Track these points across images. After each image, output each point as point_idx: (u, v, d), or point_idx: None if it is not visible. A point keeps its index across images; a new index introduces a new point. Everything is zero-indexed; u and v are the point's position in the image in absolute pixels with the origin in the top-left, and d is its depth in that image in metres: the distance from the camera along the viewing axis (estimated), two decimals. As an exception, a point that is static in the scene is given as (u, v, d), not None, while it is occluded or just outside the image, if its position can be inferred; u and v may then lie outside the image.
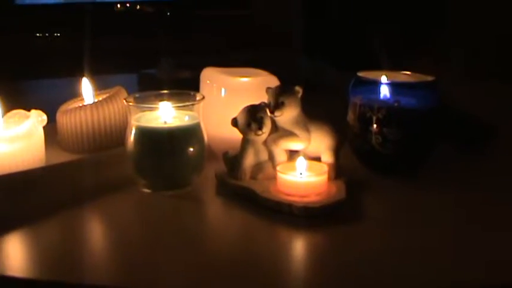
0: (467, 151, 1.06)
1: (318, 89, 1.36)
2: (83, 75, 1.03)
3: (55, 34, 2.98)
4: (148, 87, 1.35)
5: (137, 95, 0.88)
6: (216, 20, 2.98)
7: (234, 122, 0.85)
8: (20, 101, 0.96)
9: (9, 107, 0.93)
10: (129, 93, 0.98)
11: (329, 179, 0.83)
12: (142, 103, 0.88)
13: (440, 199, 0.86)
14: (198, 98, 0.88)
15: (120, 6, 3.15)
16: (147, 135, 0.85)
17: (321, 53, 1.97)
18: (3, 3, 2.96)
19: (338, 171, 0.86)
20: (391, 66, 1.04)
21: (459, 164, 1.00)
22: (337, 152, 0.87)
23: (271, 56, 1.56)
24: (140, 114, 0.86)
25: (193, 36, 2.79)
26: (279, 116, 0.84)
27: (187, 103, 0.88)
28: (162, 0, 3.21)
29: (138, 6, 3.18)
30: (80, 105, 0.97)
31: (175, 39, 2.72)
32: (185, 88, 0.92)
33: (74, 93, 1.03)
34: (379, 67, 1.01)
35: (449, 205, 0.84)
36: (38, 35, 2.96)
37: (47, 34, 2.98)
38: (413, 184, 0.91)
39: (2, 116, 0.90)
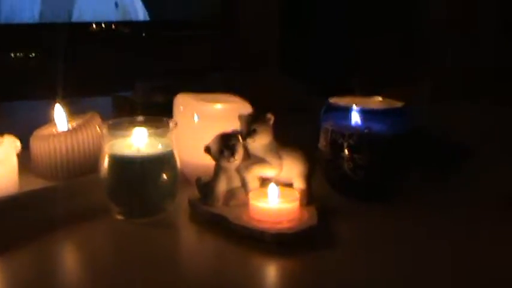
0: (441, 174, 1.07)
1: (292, 111, 1.38)
2: (56, 98, 1.03)
3: (30, 55, 2.97)
4: (123, 110, 1.36)
5: (111, 122, 0.89)
6: (192, 40, 2.99)
7: (207, 150, 0.86)
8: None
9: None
10: (104, 116, 0.99)
11: (301, 205, 0.84)
12: (116, 130, 0.88)
13: (412, 224, 0.87)
14: (171, 125, 0.88)
15: (96, 26, 3.15)
16: (120, 163, 0.85)
17: (297, 76, 1.99)
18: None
19: (310, 197, 0.87)
20: (363, 90, 1.05)
21: (432, 188, 1.01)
22: (308, 178, 0.88)
23: (246, 78, 1.57)
24: (114, 141, 0.87)
25: (168, 58, 2.79)
26: (251, 143, 0.85)
27: (160, 130, 0.88)
28: (138, 21, 3.22)
29: (113, 26, 3.18)
30: (54, 131, 0.97)
31: (150, 60, 2.73)
32: (160, 112, 0.93)
33: (48, 116, 1.03)
34: (352, 91, 1.03)
35: (422, 230, 0.85)
36: (12, 55, 2.96)
37: (21, 54, 2.97)
38: (385, 209, 0.92)
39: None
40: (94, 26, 3.15)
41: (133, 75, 1.91)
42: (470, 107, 1.56)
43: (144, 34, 3.10)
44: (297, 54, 2.61)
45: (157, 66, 2.55)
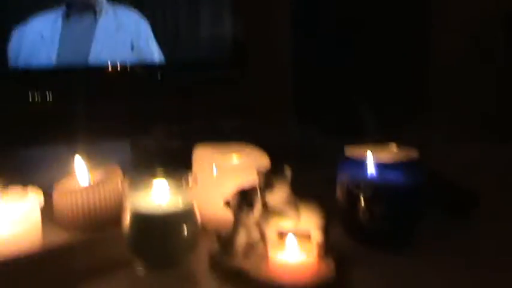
0: (454, 220, 1.08)
1: (309, 157, 1.39)
2: (75, 144, 1.06)
3: (48, 99, 3.00)
4: (141, 156, 1.38)
5: (132, 177, 0.91)
6: (209, 82, 3.01)
7: (227, 204, 0.88)
8: (12, 170, 0.99)
9: (2, 177, 0.94)
10: (122, 164, 1.01)
11: (319, 257, 0.85)
12: (137, 186, 0.90)
13: (432, 270, 0.88)
14: (191, 181, 0.90)
15: (112, 68, 3.18)
16: (142, 219, 0.87)
17: (311, 119, 2.01)
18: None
19: (327, 248, 0.88)
20: (377, 135, 1.07)
21: (448, 234, 1.02)
22: (325, 230, 0.89)
23: (262, 125, 1.60)
24: (135, 195, 0.89)
25: (185, 100, 2.82)
26: (270, 197, 0.87)
27: (180, 188, 0.90)
28: (152, 63, 3.25)
29: (128, 69, 3.21)
30: (76, 187, 0.99)
31: (167, 103, 2.75)
32: (178, 157, 0.94)
33: (67, 163, 1.05)
34: (366, 134, 1.05)
35: (443, 276, 0.86)
36: (30, 100, 2.99)
37: (38, 98, 3.00)
38: (404, 257, 0.93)
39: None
40: (110, 68, 3.18)
41: (151, 118, 1.94)
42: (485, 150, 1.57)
43: (159, 77, 3.13)
44: (310, 98, 2.63)
45: (174, 108, 2.57)
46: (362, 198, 0.93)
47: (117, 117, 2.66)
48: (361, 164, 0.95)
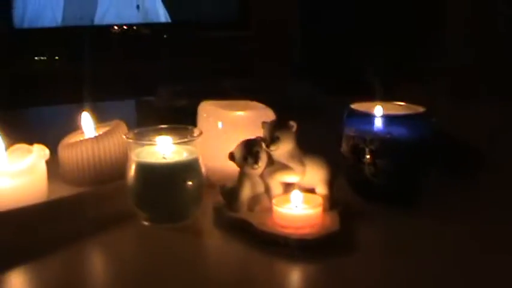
0: (458, 178, 1.08)
1: (312, 114, 1.39)
2: (82, 102, 1.05)
3: (54, 57, 3.00)
4: (147, 115, 1.38)
5: (136, 131, 0.91)
6: (214, 41, 3.00)
7: (231, 156, 0.87)
8: (20, 130, 0.98)
9: (10, 137, 0.94)
10: (128, 122, 1.01)
11: (324, 210, 0.85)
12: (142, 138, 0.90)
13: (434, 228, 0.88)
14: (195, 134, 0.90)
15: (118, 28, 3.17)
16: (147, 170, 0.87)
17: (314, 78, 2.00)
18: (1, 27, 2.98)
19: (332, 202, 0.88)
20: (383, 93, 1.06)
21: (452, 191, 1.01)
22: (331, 184, 0.89)
23: (267, 83, 1.59)
24: (140, 149, 0.88)
25: (190, 59, 2.81)
26: (275, 150, 0.86)
27: (186, 140, 0.90)
28: (159, 23, 3.23)
29: (134, 28, 3.20)
30: (81, 139, 0.99)
31: (172, 62, 2.74)
32: (183, 116, 0.94)
33: (74, 122, 1.05)
34: (371, 93, 1.04)
35: (444, 234, 0.86)
36: (36, 58, 2.99)
37: (45, 58, 3.00)
38: (407, 213, 0.92)
39: (5, 150, 0.92)
40: (116, 28, 3.17)
41: (156, 78, 1.93)
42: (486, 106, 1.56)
43: (165, 36, 3.12)
44: (313, 58, 2.61)
45: (179, 67, 2.57)
46: (368, 152, 0.92)
47: (122, 77, 2.66)
48: (368, 117, 0.95)
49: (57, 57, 3.01)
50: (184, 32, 3.08)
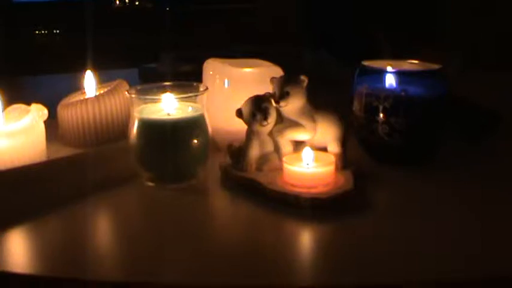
0: (474, 140, 1.04)
1: (322, 81, 1.35)
2: (83, 71, 1.02)
3: (54, 31, 2.97)
4: (150, 81, 1.34)
5: (139, 87, 0.87)
6: (216, 14, 2.97)
7: (239, 113, 0.84)
8: (20, 96, 0.95)
9: (10, 102, 0.91)
10: (131, 86, 0.97)
11: (336, 169, 0.82)
12: (145, 95, 0.86)
13: (448, 189, 0.85)
14: (201, 89, 0.86)
15: (119, 2, 3.13)
16: (150, 127, 0.83)
17: (324, 46, 1.96)
18: (0, 1, 2.95)
19: (345, 161, 0.85)
20: (395, 55, 1.02)
21: (467, 153, 0.99)
22: (344, 141, 0.85)
23: (274, 49, 1.55)
24: (143, 106, 0.85)
25: (194, 31, 2.77)
26: (284, 106, 0.82)
27: (191, 94, 0.86)
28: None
29: (137, 2, 3.17)
30: (81, 98, 0.95)
31: (175, 34, 2.71)
32: (187, 81, 0.90)
33: (75, 89, 1.02)
34: (383, 57, 1.00)
35: (458, 195, 0.83)
36: (37, 32, 2.95)
37: (45, 31, 2.97)
38: (420, 174, 0.89)
39: (2, 111, 0.89)
40: (117, 2, 3.14)
41: (159, 48, 1.90)
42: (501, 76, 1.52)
43: (167, 9, 3.08)
44: (321, 26, 2.57)
45: (182, 39, 2.53)
46: (382, 110, 0.88)
47: (125, 48, 2.63)
48: (381, 74, 0.90)
49: (57, 31, 2.97)
50: (187, 4, 3.04)
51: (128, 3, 3.14)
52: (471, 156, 0.97)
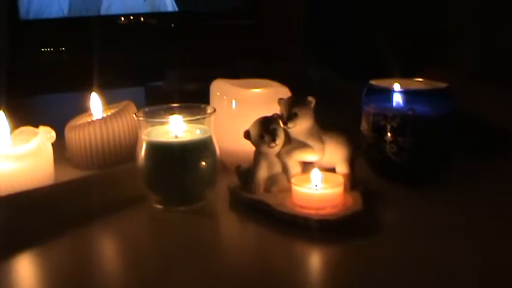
0: (482, 158, 1.04)
1: (328, 99, 1.35)
2: (90, 90, 1.02)
3: (60, 48, 2.97)
4: (156, 100, 1.34)
5: (147, 109, 0.87)
6: (221, 30, 2.97)
7: (247, 135, 0.83)
8: (27, 117, 0.95)
9: (17, 123, 0.91)
10: (138, 106, 0.97)
11: (345, 190, 0.81)
12: (153, 117, 0.86)
13: (457, 208, 0.84)
14: (209, 111, 0.86)
15: (124, 19, 3.14)
16: (159, 150, 0.83)
17: (329, 62, 1.96)
18: (7, 19, 2.96)
19: (354, 181, 0.84)
20: (401, 74, 1.02)
21: (475, 171, 0.98)
22: (352, 162, 0.85)
23: (279, 67, 1.55)
24: (150, 128, 0.85)
25: (198, 48, 2.78)
26: (292, 127, 0.82)
27: (199, 116, 0.86)
28: (166, 12, 3.21)
29: (142, 19, 3.17)
30: (89, 120, 0.95)
31: (180, 51, 2.71)
32: (193, 100, 0.90)
33: (82, 108, 1.02)
34: (389, 75, 1.00)
35: (467, 215, 0.82)
36: (43, 49, 2.96)
37: (52, 49, 2.98)
38: (429, 193, 0.89)
39: (10, 133, 0.89)
40: (123, 19, 3.14)
41: (164, 66, 1.90)
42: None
43: (173, 25, 3.09)
44: (325, 43, 2.58)
45: (188, 56, 2.54)
46: (389, 130, 0.88)
47: (131, 66, 2.63)
48: (388, 93, 0.90)
49: (63, 48, 2.97)
50: (191, 21, 3.05)
51: (133, 19, 3.15)
52: (479, 175, 0.97)
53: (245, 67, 1.56)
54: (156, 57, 2.58)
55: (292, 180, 0.81)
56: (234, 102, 0.96)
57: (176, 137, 0.84)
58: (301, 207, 0.78)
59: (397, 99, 0.90)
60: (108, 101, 1.03)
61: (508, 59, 1.99)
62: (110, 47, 2.66)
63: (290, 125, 0.82)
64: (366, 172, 0.93)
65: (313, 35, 2.74)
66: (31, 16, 3.07)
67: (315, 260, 0.74)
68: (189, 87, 1.46)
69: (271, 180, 0.84)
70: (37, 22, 3.06)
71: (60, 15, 3.10)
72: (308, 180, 0.81)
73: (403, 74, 1.01)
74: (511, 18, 2.08)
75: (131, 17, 3.14)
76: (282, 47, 2.57)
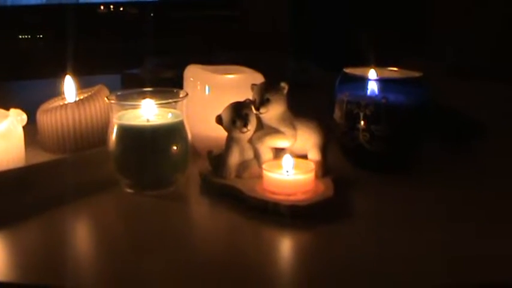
0: (455, 148, 1.04)
1: (304, 88, 1.35)
2: (65, 75, 1.01)
3: (38, 36, 2.95)
4: (132, 87, 1.33)
5: (119, 93, 0.86)
6: (200, 21, 2.96)
7: (219, 119, 0.83)
8: (0, 101, 0.94)
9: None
10: (113, 91, 0.96)
11: (316, 176, 0.81)
12: (125, 101, 0.86)
13: (427, 196, 0.84)
14: (181, 95, 0.86)
15: (104, 8, 3.12)
16: (130, 133, 0.82)
17: (307, 53, 1.96)
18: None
19: (325, 168, 0.84)
20: (378, 64, 1.02)
21: (447, 161, 0.99)
22: (324, 149, 0.85)
23: (256, 56, 1.54)
24: (122, 112, 0.84)
25: (176, 37, 2.77)
26: (265, 113, 0.82)
27: (170, 100, 0.86)
28: (146, 2, 3.19)
29: (121, 8, 3.15)
30: (61, 104, 0.94)
31: (159, 40, 2.70)
32: (168, 87, 0.90)
33: (56, 94, 1.01)
34: (366, 64, 1.00)
35: (436, 202, 0.83)
36: (20, 36, 2.93)
37: (29, 36, 2.95)
38: (401, 181, 0.89)
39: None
40: (102, 7, 3.12)
41: (141, 54, 1.89)
42: (486, 84, 1.53)
43: (152, 14, 3.07)
44: (304, 33, 2.58)
45: (166, 45, 2.52)
46: (362, 118, 0.88)
47: (108, 54, 2.62)
48: (362, 81, 0.90)
49: (41, 36, 2.95)
50: (171, 11, 3.04)
51: (113, 9, 3.13)
52: (450, 164, 0.97)
53: (223, 56, 1.55)
54: (134, 45, 2.57)
55: (264, 166, 0.81)
56: (207, 87, 0.95)
57: (148, 120, 0.83)
58: (272, 193, 0.78)
59: (371, 87, 0.90)
60: (84, 87, 1.02)
61: (489, 52, 2.00)
62: (88, 35, 2.64)
63: (262, 110, 0.82)
64: (339, 159, 0.93)
65: (295, 27, 2.74)
66: (9, 2, 3.04)
67: (285, 245, 0.73)
68: (165, 75, 1.45)
69: (243, 165, 0.84)
70: (15, 8, 3.03)
71: (39, 2, 3.07)
72: (279, 166, 0.80)
73: (381, 64, 1.01)
74: (496, 10, 2.09)
75: (111, 6, 3.12)
76: (263, 39, 2.56)
